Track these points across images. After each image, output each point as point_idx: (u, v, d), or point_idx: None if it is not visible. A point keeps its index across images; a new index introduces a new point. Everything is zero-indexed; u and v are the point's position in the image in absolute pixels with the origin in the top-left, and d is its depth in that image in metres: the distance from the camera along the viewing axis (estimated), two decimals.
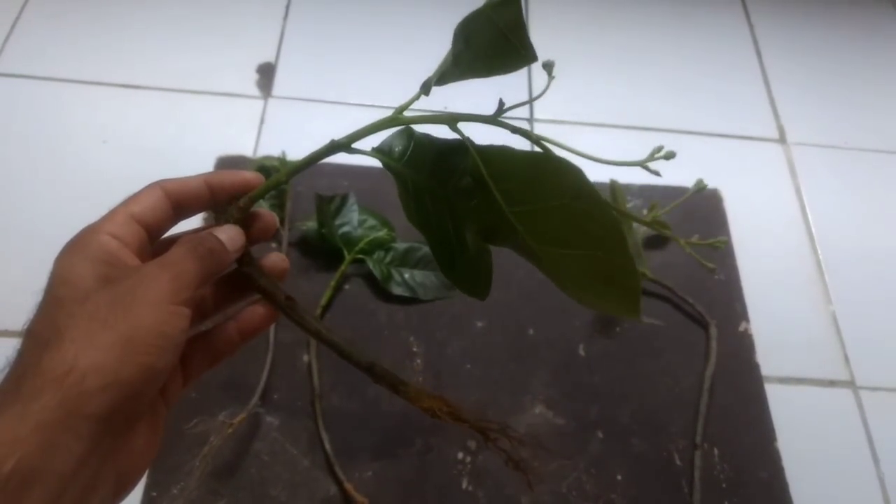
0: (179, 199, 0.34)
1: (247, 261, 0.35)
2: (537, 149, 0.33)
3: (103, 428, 0.26)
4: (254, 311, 0.37)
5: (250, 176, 0.36)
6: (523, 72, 0.86)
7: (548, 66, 0.35)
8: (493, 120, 0.33)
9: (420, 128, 0.35)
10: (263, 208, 0.37)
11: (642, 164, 0.35)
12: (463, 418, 0.35)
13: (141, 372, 0.27)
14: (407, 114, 0.34)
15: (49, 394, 0.25)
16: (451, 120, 0.33)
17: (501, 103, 0.34)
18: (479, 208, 0.32)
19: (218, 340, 0.35)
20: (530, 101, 0.46)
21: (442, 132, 0.35)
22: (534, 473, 0.36)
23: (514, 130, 0.34)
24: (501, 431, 0.36)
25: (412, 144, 0.36)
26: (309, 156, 0.35)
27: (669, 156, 0.35)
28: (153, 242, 0.33)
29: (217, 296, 0.36)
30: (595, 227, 0.29)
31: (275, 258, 0.37)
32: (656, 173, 0.35)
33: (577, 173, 0.29)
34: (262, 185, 0.36)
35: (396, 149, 0.36)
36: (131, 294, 0.28)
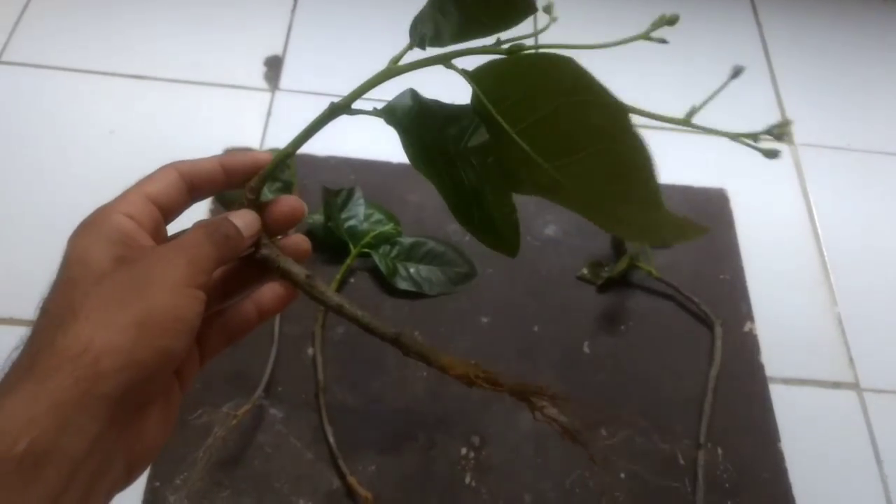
0: (194, 181, 0.34)
1: (263, 243, 0.35)
2: None
3: (117, 409, 0.26)
4: (272, 289, 0.36)
5: (262, 156, 0.35)
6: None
7: (548, 8, 0.35)
8: (492, 50, 0.32)
9: (427, 93, 0.34)
10: (290, 197, 0.37)
11: (644, 37, 0.33)
12: (500, 383, 0.34)
13: (156, 354, 0.27)
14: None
15: (64, 373, 0.25)
16: (446, 58, 0.32)
17: (499, 41, 0.32)
18: (493, 152, 0.31)
19: (235, 319, 0.35)
20: (535, 35, 0.38)
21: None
22: (590, 443, 0.34)
23: (509, 52, 0.31)
24: (543, 394, 0.34)
25: (418, 108, 0.35)
26: (311, 124, 0.34)
27: (673, 20, 0.33)
28: (167, 223, 0.33)
29: (235, 277, 0.36)
30: (597, 117, 0.27)
31: (297, 239, 0.37)
32: (662, 41, 0.33)
33: (565, 64, 0.26)
34: (270, 163, 0.35)
35: (402, 110, 0.35)
36: (147, 275, 0.28)
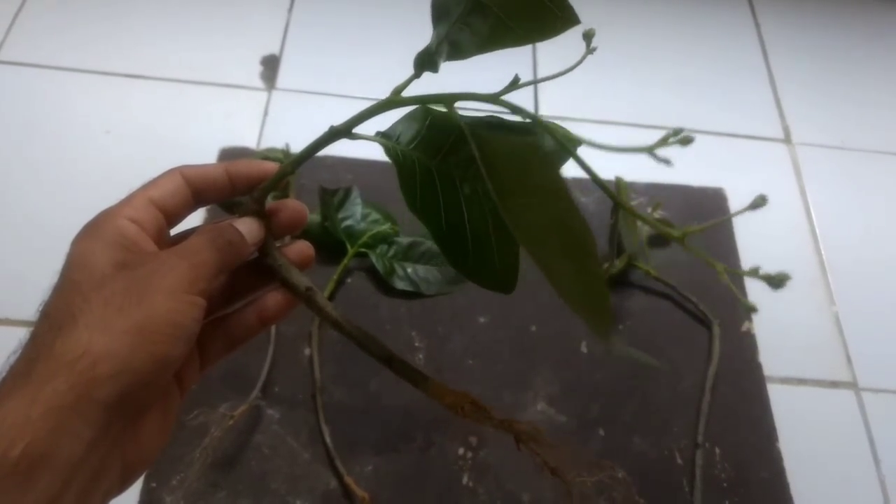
0: (199, 186, 0.33)
1: (267, 251, 0.35)
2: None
3: (113, 415, 0.26)
4: (274, 296, 0.36)
5: (268, 166, 0.35)
6: (527, 58, 0.86)
7: (588, 36, 0.32)
8: (495, 99, 0.31)
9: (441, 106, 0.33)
10: (291, 199, 0.37)
11: (650, 151, 0.31)
12: (489, 416, 0.34)
13: (152, 361, 0.27)
14: (408, 94, 0.32)
15: (61, 378, 0.25)
16: (450, 99, 0.31)
17: (517, 78, 0.31)
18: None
19: (236, 326, 0.35)
20: (531, 83, 0.37)
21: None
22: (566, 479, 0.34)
23: (515, 110, 0.31)
24: (532, 434, 0.34)
25: (426, 127, 0.33)
26: (310, 145, 0.35)
27: (686, 141, 0.31)
28: (171, 228, 0.33)
29: (238, 283, 0.36)
30: (567, 234, 0.27)
31: (300, 246, 0.37)
32: (666, 162, 0.31)
33: (554, 166, 0.26)
34: (272, 177, 0.35)
35: (406, 134, 0.34)
36: (148, 281, 0.28)
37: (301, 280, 0.35)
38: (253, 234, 0.33)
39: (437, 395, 0.34)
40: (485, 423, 0.33)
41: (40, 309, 0.28)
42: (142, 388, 0.27)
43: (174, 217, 0.33)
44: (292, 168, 0.35)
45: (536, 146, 0.29)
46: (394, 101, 0.32)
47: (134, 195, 0.32)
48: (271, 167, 0.35)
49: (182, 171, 0.33)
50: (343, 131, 0.34)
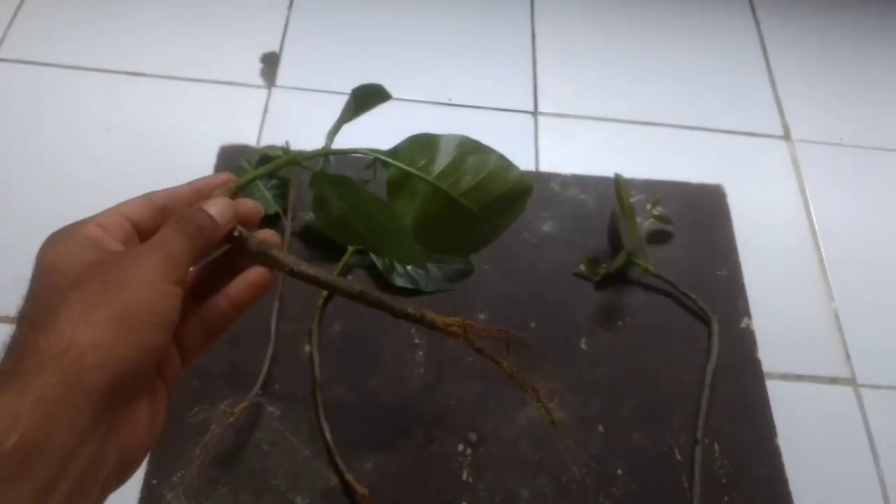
0: (167, 204, 0.34)
1: (243, 237, 0.36)
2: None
3: (104, 404, 0.27)
4: (243, 279, 0.36)
5: (228, 175, 0.37)
6: (528, 63, 0.86)
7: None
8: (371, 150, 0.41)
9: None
10: (248, 199, 0.38)
11: None
12: (488, 332, 0.38)
13: (137, 349, 0.28)
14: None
15: (49, 371, 0.26)
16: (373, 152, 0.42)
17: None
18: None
19: (211, 316, 0.35)
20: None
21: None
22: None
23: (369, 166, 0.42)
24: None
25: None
26: (269, 166, 0.40)
27: None
28: (143, 240, 0.33)
29: (213, 276, 0.36)
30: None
31: (265, 233, 0.37)
32: None
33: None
34: (236, 183, 0.37)
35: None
36: (123, 275, 0.29)
37: (287, 259, 0.36)
38: (223, 215, 0.34)
39: (441, 327, 0.37)
40: (482, 339, 0.38)
41: (18, 314, 0.29)
42: (130, 377, 0.28)
43: (144, 229, 0.33)
44: (254, 176, 0.39)
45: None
46: (293, 159, 0.43)
47: (102, 211, 0.33)
48: (230, 176, 0.37)
49: (150, 195, 0.34)
50: (299, 160, 0.42)
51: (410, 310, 0.36)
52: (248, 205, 0.37)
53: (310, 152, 0.42)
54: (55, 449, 0.25)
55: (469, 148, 0.40)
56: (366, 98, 0.46)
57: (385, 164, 0.41)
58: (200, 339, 0.35)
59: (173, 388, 0.33)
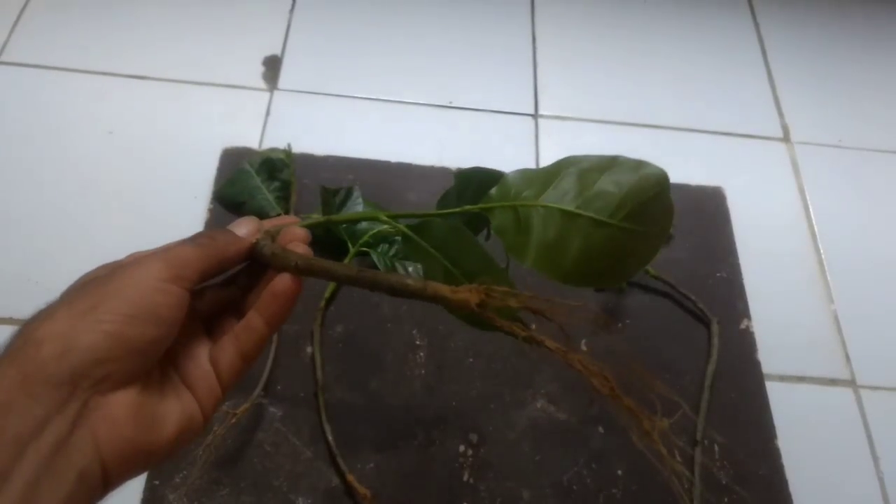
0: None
1: (263, 245, 0.35)
2: None
3: (66, 392, 0.27)
4: (269, 290, 0.35)
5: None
6: (528, 65, 0.86)
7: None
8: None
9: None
10: (296, 228, 0.37)
11: None
12: (516, 296, 0.32)
13: (106, 337, 0.28)
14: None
15: (10, 368, 0.27)
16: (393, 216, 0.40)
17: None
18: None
19: (243, 335, 0.34)
20: None
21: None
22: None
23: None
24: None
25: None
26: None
27: None
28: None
29: (252, 297, 0.37)
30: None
31: (293, 232, 0.37)
32: None
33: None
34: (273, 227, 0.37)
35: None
36: (122, 276, 0.30)
37: (295, 257, 0.34)
38: (248, 230, 0.35)
39: (465, 300, 0.31)
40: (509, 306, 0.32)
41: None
42: (95, 365, 0.28)
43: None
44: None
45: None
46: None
47: None
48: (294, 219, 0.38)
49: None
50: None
51: (410, 282, 0.32)
52: (298, 234, 0.37)
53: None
54: (8, 436, 0.25)
55: (584, 165, 0.37)
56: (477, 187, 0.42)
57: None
58: (235, 360, 0.34)
59: (211, 410, 0.33)
